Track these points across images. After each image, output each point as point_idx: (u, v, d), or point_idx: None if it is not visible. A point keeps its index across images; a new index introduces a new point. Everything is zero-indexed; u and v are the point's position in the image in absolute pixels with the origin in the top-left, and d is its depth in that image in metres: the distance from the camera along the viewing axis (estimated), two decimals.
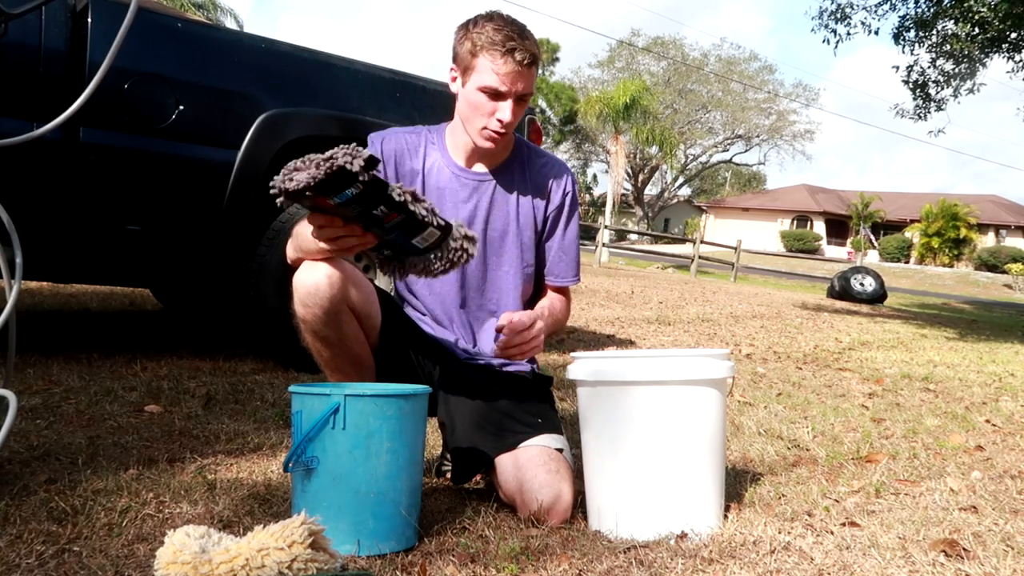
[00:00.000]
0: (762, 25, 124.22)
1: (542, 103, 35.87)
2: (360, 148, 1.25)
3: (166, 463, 1.74)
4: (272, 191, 1.29)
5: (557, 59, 39.77)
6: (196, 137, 2.67)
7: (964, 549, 1.43)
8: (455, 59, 1.64)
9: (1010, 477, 2.07)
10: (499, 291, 1.75)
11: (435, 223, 1.35)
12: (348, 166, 1.22)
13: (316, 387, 1.43)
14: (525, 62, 1.57)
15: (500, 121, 1.60)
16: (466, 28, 1.61)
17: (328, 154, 1.23)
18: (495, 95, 1.59)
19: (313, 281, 1.51)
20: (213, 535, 1.14)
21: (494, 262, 1.73)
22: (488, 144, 1.64)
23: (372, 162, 1.24)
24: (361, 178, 1.24)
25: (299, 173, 1.25)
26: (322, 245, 1.40)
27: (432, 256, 1.41)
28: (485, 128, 1.62)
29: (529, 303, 1.80)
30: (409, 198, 1.31)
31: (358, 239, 1.38)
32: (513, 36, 1.56)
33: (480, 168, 1.73)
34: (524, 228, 1.74)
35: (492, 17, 1.61)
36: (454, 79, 1.66)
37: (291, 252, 1.59)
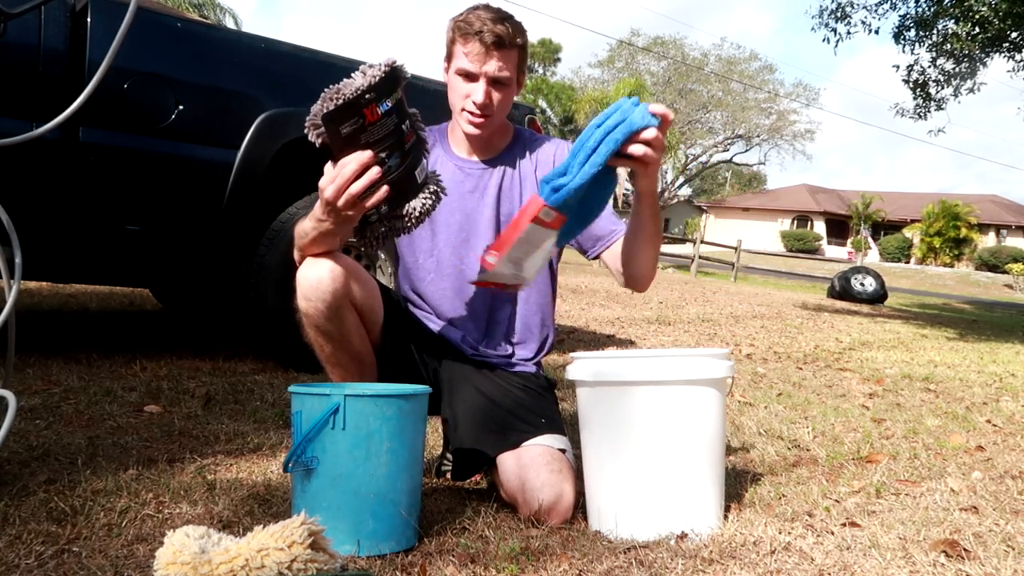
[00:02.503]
0: (770, 25, 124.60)
1: (542, 103, 35.87)
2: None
3: (166, 463, 1.74)
4: (313, 123, 1.35)
5: (558, 59, 39.80)
6: (196, 137, 2.67)
7: (965, 549, 1.43)
8: (445, 51, 1.69)
9: (1011, 477, 2.06)
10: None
11: (427, 156, 1.46)
12: (397, 69, 1.33)
13: (316, 387, 1.43)
14: (492, 42, 1.59)
15: (475, 103, 1.62)
16: (452, 19, 1.66)
17: (373, 64, 1.33)
18: (467, 76, 1.63)
19: (316, 275, 1.52)
20: (213, 535, 1.14)
21: None
22: (470, 128, 1.66)
23: (404, 70, 1.37)
24: (404, 82, 1.35)
25: (350, 85, 1.32)
26: (338, 200, 1.37)
27: (424, 194, 1.45)
28: (464, 110, 1.65)
29: (543, 305, 1.79)
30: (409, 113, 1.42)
31: (371, 178, 1.36)
32: (487, 20, 1.60)
33: (483, 158, 1.74)
34: None
35: (477, 7, 1.65)
36: (445, 70, 1.70)
37: (296, 254, 1.60)
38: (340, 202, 1.37)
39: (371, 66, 1.34)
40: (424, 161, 1.47)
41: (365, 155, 1.36)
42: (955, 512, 1.69)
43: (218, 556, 1.07)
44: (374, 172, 1.36)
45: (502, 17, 1.63)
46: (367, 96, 1.31)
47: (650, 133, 1.33)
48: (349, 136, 1.35)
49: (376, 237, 1.49)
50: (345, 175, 1.36)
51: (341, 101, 1.31)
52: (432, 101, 3.13)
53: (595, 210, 1.49)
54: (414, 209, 1.45)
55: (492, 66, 1.61)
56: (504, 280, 1.49)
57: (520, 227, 1.41)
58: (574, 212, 1.43)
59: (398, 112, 1.37)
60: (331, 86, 1.33)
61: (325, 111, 1.33)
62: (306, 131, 1.37)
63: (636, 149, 1.34)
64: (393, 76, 1.34)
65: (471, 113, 1.64)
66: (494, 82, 1.63)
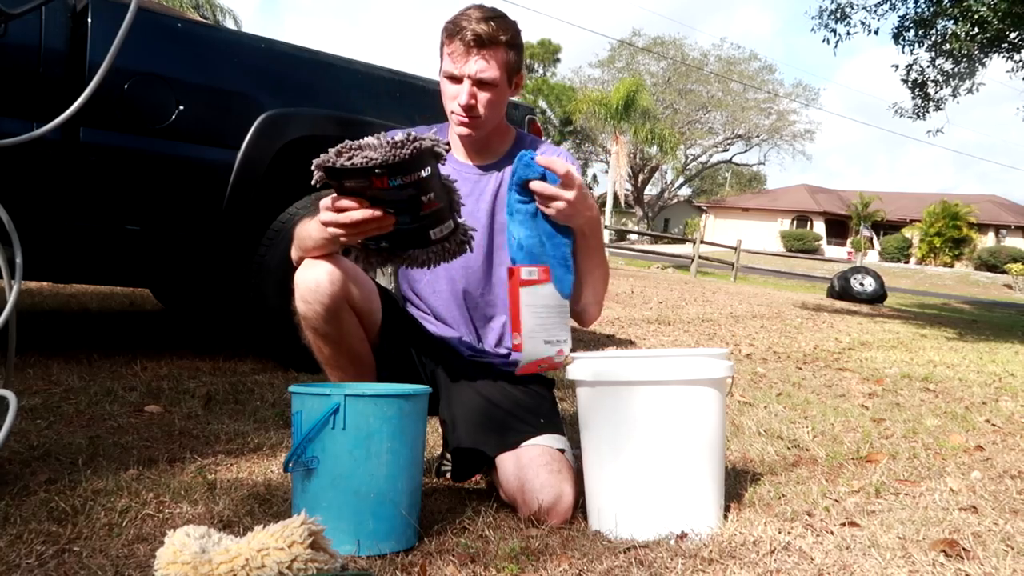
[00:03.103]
0: (772, 26, 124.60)
1: (542, 103, 35.88)
2: (429, 133, 1.29)
3: (166, 463, 1.74)
4: (320, 166, 1.29)
5: (558, 60, 39.80)
6: (196, 137, 2.67)
7: (964, 549, 1.43)
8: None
9: (1010, 477, 2.07)
10: (504, 287, 1.74)
11: (456, 215, 1.40)
12: (423, 151, 1.26)
13: (316, 387, 1.43)
14: (472, 42, 1.56)
15: (460, 105, 1.60)
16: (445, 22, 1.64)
17: (408, 135, 1.26)
18: (453, 79, 1.61)
19: (314, 278, 1.51)
20: (213, 535, 1.14)
21: (499, 257, 1.70)
22: (461, 130, 1.65)
23: (446, 148, 1.30)
24: (433, 159, 1.28)
25: (369, 151, 1.26)
26: (333, 231, 1.37)
27: (435, 248, 1.42)
28: (452, 113, 1.63)
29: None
30: (453, 183, 1.38)
31: (378, 223, 1.35)
32: (472, 20, 1.57)
33: (480, 162, 1.73)
34: None
35: (468, 7, 1.62)
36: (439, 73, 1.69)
37: (294, 253, 1.60)
38: (335, 232, 1.37)
39: (401, 138, 1.26)
40: (450, 222, 1.40)
41: (372, 212, 1.33)
42: (954, 512, 1.70)
43: (218, 556, 1.08)
44: (376, 220, 1.33)
45: (488, 16, 1.59)
46: (377, 171, 1.26)
47: (535, 185, 1.46)
48: (352, 189, 1.32)
49: (370, 264, 1.47)
50: (341, 220, 1.34)
51: (348, 166, 1.27)
52: (432, 102, 3.15)
53: (564, 244, 1.52)
54: (416, 258, 1.43)
55: (473, 66, 1.57)
56: (545, 354, 1.50)
57: (518, 300, 1.45)
58: (550, 256, 1.47)
59: (416, 187, 1.30)
60: (347, 142, 1.28)
61: (330, 165, 1.28)
62: (312, 168, 1.31)
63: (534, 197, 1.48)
64: (417, 158, 1.26)
65: (458, 115, 1.62)
66: (479, 83, 1.59)
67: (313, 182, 1.32)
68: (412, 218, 1.35)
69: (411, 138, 1.25)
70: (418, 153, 1.25)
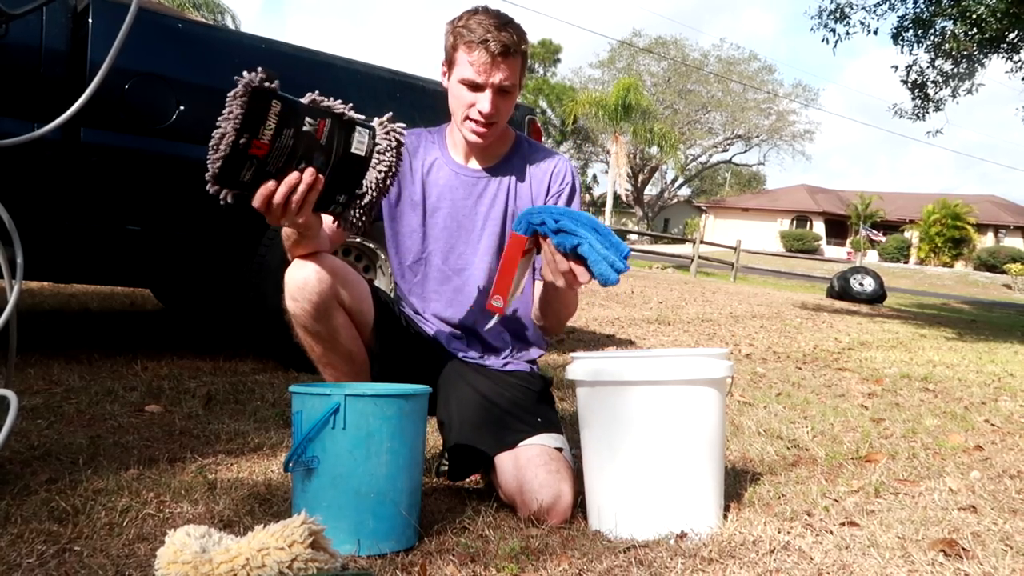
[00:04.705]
0: (775, 27, 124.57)
1: (543, 103, 35.88)
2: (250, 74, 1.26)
3: (167, 463, 1.75)
4: (211, 186, 1.28)
5: (558, 60, 39.78)
6: (196, 137, 2.65)
7: (963, 549, 1.43)
8: (444, 55, 1.66)
9: (1009, 477, 2.07)
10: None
11: (358, 119, 1.36)
12: (255, 83, 1.23)
13: (316, 387, 1.44)
14: (498, 52, 1.56)
15: (481, 113, 1.60)
16: (452, 23, 1.63)
17: (230, 94, 1.24)
18: (473, 87, 1.60)
19: (302, 276, 1.52)
20: (213, 535, 1.14)
21: (497, 260, 1.71)
22: (473, 137, 1.65)
23: (271, 75, 1.25)
24: (272, 90, 1.25)
25: (218, 131, 1.24)
26: (293, 219, 1.37)
27: (375, 164, 1.38)
28: (467, 119, 1.63)
29: (527, 315, 1.80)
30: (320, 98, 1.33)
31: (307, 185, 1.33)
32: (490, 28, 1.56)
33: (479, 165, 1.74)
34: None
35: (476, 11, 1.61)
36: (444, 74, 1.68)
37: (288, 255, 1.61)
38: (279, 214, 1.36)
39: (232, 97, 1.24)
40: (359, 132, 1.36)
41: (287, 181, 1.31)
42: (953, 511, 1.70)
43: (219, 555, 1.08)
44: (305, 181, 1.31)
45: (504, 23, 1.59)
46: (241, 141, 1.23)
47: (579, 272, 1.43)
48: (254, 178, 1.29)
49: (354, 221, 1.43)
50: (276, 201, 1.33)
51: (220, 161, 1.24)
52: (432, 102, 3.15)
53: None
54: (371, 181, 1.39)
55: (498, 76, 1.58)
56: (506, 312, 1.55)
57: (515, 267, 1.46)
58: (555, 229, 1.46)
59: (286, 121, 1.28)
60: (210, 143, 1.25)
61: (213, 173, 1.26)
62: (212, 191, 1.30)
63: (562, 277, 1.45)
64: (258, 99, 1.24)
65: (476, 122, 1.62)
66: (499, 91, 1.60)
67: (223, 201, 1.31)
68: (320, 152, 1.32)
69: (233, 91, 1.24)
70: (253, 94, 1.23)
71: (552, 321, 1.73)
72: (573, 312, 1.73)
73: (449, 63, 1.64)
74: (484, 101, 1.59)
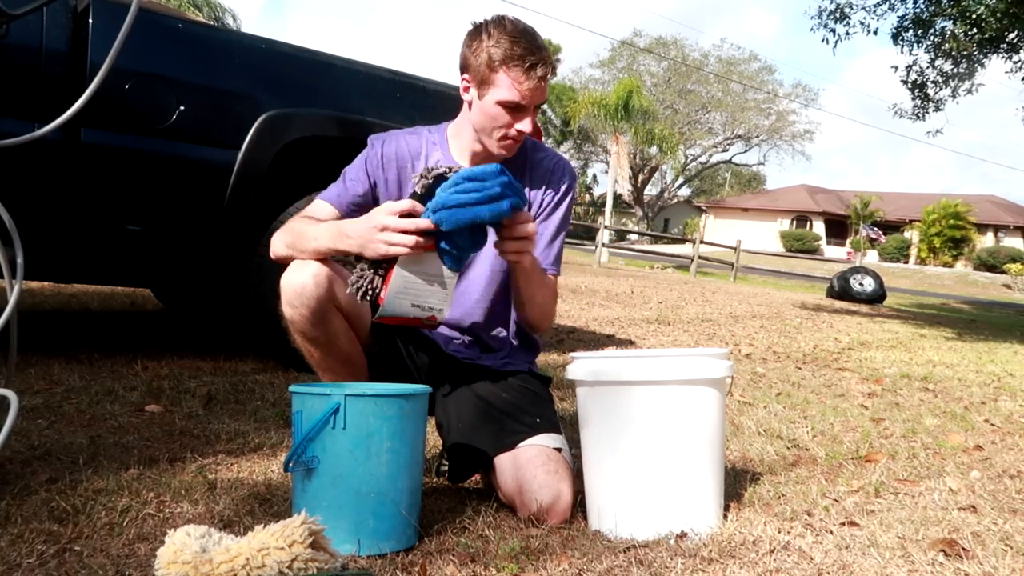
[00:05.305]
0: (777, 27, 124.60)
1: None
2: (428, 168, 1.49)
3: (167, 463, 1.75)
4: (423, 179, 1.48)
5: (559, 60, 39.73)
6: (196, 137, 2.68)
7: (963, 548, 1.44)
8: (467, 68, 1.59)
9: (1009, 477, 2.07)
10: (503, 298, 1.74)
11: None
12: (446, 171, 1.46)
13: (316, 387, 1.44)
14: (547, 77, 1.56)
15: (520, 131, 1.59)
16: (479, 38, 1.56)
17: (420, 172, 1.48)
18: (516, 108, 1.57)
19: (300, 282, 1.52)
20: (214, 535, 1.15)
21: (501, 263, 1.70)
22: (505, 153, 1.65)
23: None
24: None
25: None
26: (395, 247, 1.43)
27: (402, 298, 1.50)
28: (504, 138, 1.61)
29: (506, 304, 1.78)
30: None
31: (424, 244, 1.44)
32: (532, 50, 1.53)
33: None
34: None
35: (503, 25, 1.55)
36: (467, 88, 1.61)
37: (282, 249, 1.59)
38: (398, 249, 1.42)
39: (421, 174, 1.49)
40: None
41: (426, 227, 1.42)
42: (953, 511, 1.70)
43: (219, 555, 1.08)
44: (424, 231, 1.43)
45: (536, 41, 1.56)
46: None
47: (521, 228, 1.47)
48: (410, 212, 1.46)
49: (357, 286, 1.48)
50: (406, 242, 1.41)
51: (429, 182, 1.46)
52: (432, 102, 3.15)
53: (482, 235, 1.47)
54: (387, 292, 1.46)
55: (540, 97, 1.58)
56: (411, 315, 1.50)
57: (394, 261, 1.46)
58: (461, 233, 1.43)
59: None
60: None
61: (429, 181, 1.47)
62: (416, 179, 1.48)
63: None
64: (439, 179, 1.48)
65: (513, 140, 1.62)
66: (536, 107, 1.61)
67: (416, 188, 1.46)
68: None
69: (421, 174, 1.49)
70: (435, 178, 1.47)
71: (532, 312, 1.68)
72: (548, 296, 1.68)
73: (481, 81, 1.57)
74: (526, 123, 1.59)
